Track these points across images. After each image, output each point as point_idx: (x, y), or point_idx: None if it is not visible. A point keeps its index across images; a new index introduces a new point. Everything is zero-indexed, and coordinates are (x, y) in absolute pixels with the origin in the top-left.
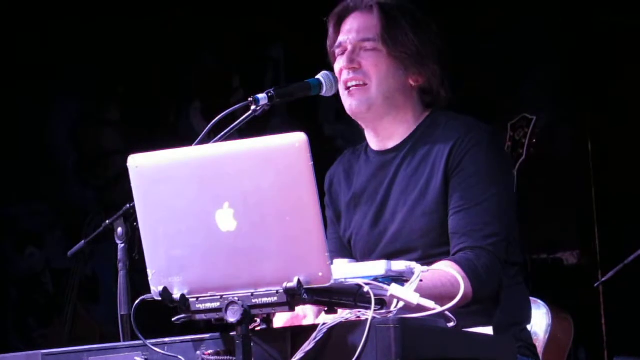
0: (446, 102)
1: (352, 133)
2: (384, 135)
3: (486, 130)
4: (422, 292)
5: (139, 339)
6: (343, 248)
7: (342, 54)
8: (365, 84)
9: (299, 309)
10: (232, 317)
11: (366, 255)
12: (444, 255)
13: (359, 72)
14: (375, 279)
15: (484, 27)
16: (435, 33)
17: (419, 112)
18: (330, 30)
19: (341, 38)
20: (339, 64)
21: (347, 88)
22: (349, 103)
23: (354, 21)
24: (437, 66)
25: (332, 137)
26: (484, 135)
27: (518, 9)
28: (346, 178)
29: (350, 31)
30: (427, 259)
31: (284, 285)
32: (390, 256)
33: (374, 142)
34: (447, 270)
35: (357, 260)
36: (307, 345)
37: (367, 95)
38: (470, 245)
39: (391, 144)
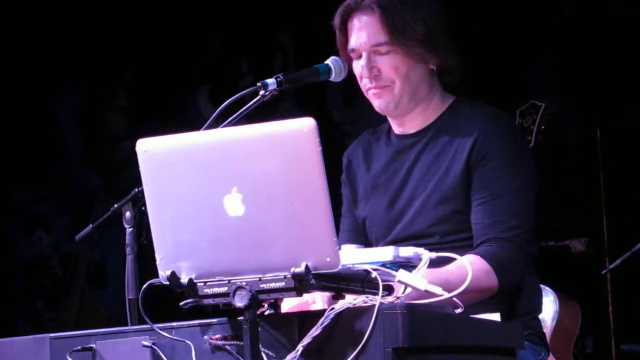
0: (463, 76)
1: (361, 118)
2: (406, 122)
3: (509, 122)
4: (449, 287)
5: (146, 323)
6: (357, 229)
7: (358, 58)
8: (389, 85)
9: (308, 296)
10: (239, 301)
11: (381, 238)
12: (460, 241)
13: (380, 79)
14: (383, 264)
15: (494, 13)
16: (436, 7)
17: (442, 96)
18: (337, 32)
19: (353, 43)
20: (356, 69)
21: (370, 89)
22: (377, 104)
23: (359, 24)
24: (448, 42)
25: (341, 123)
26: (508, 128)
27: None
28: (365, 159)
29: (360, 36)
30: (443, 245)
31: (292, 270)
32: (405, 240)
33: (397, 126)
34: (470, 265)
35: (372, 242)
36: (315, 331)
37: (391, 95)
38: (493, 236)
39: (413, 128)
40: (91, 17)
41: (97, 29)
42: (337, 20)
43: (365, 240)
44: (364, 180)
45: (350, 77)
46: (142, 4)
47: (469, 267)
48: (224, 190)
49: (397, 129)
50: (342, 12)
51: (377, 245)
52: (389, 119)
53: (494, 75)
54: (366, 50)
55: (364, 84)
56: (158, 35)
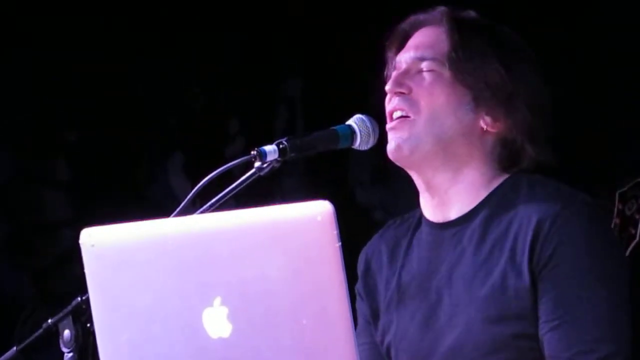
0: (531, 164)
1: (397, 201)
2: (442, 199)
3: (586, 205)
4: None
5: None
6: (378, 358)
7: None
8: (410, 118)
9: None
10: None
11: None
12: None
13: (405, 100)
14: None
15: (582, 51)
16: (533, 65)
17: (493, 171)
18: (391, 55)
19: (397, 59)
20: (387, 91)
21: (392, 120)
22: (390, 144)
23: (416, 38)
24: (527, 111)
25: (368, 207)
26: (584, 213)
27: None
28: (390, 259)
29: (409, 48)
30: None
31: None
32: None
33: (430, 209)
34: None
35: None
36: None
37: (410, 132)
38: None
39: (454, 213)
40: (21, 56)
41: (29, 72)
42: (396, 38)
43: None
44: (389, 290)
45: (383, 143)
46: (93, 36)
47: None
48: (203, 301)
49: (430, 214)
50: (405, 26)
51: None
52: (420, 194)
53: (581, 141)
54: (407, 62)
55: (387, 107)
56: (113, 79)
